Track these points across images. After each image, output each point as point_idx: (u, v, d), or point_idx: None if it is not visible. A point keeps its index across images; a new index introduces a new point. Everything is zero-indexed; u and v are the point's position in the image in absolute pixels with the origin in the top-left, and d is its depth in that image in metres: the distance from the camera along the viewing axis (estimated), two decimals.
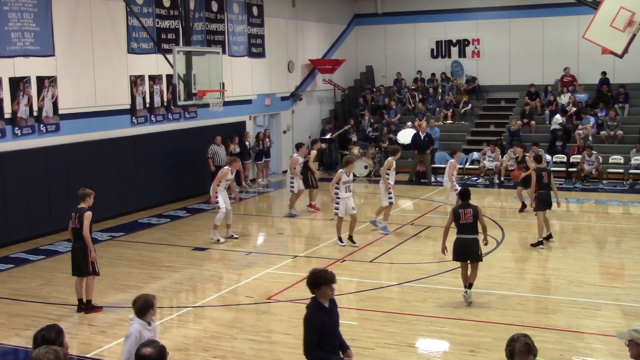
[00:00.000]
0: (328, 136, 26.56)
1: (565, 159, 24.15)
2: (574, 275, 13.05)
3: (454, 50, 30.09)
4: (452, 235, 11.62)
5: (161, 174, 20.04)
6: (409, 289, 12.30)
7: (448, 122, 27.82)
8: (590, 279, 12.91)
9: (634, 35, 17.96)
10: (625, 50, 18.33)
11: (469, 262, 11.45)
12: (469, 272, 11.48)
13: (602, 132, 24.89)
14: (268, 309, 11.53)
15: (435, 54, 30.39)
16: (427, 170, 24.17)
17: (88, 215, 11.18)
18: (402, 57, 30.61)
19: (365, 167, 25.30)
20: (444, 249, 11.75)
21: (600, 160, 23.02)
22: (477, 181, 23.83)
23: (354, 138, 26.81)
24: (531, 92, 27.52)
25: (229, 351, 9.69)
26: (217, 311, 11.42)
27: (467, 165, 25.10)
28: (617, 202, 20.16)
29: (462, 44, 29.96)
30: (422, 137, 24.15)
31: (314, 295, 6.97)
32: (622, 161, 23.49)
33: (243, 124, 23.70)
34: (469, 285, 11.40)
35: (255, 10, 24.24)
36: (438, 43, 30.28)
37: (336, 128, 27.07)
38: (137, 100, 19.49)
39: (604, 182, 22.87)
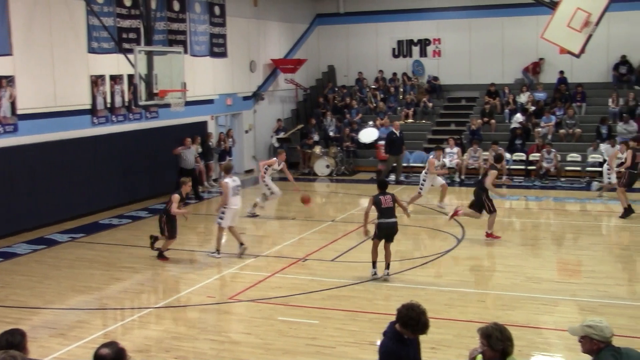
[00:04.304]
0: (281, 135, 26.65)
1: (524, 157, 24.49)
2: (533, 271, 13.24)
3: (415, 50, 30.32)
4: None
5: (122, 174, 19.89)
6: (371, 287, 12.38)
7: (409, 121, 28.00)
8: (548, 276, 13.11)
9: (590, 36, 18.29)
10: (582, 50, 18.64)
11: (384, 241, 12.62)
12: (384, 252, 12.67)
13: (561, 131, 25.28)
14: (229, 309, 11.53)
15: (396, 54, 30.59)
16: (398, 170, 24.25)
17: None
18: (364, 57, 30.75)
19: (327, 166, 25.39)
20: (365, 232, 12.81)
21: (559, 158, 23.40)
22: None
23: (316, 137, 26.89)
24: (491, 91, 27.86)
25: (190, 352, 9.66)
26: (179, 312, 11.39)
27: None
28: (575, 199, 20.48)
29: (423, 43, 30.19)
30: (397, 136, 24.23)
31: (393, 322, 6.18)
32: (579, 159, 23.88)
33: (205, 123, 23.61)
34: (387, 265, 12.66)
35: (217, 9, 24.16)
36: (399, 43, 30.48)
37: (284, 129, 27.15)
38: (98, 100, 19.31)
39: (562, 179, 23.24)
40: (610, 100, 25.94)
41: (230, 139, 23.97)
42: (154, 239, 14.72)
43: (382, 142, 25.46)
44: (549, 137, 24.93)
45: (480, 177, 16.34)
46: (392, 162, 24.25)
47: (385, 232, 12.59)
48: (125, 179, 19.97)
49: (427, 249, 15.28)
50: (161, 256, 14.45)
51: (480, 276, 13.24)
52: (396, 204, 12.68)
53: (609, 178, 20.27)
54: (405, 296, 11.73)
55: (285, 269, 13.55)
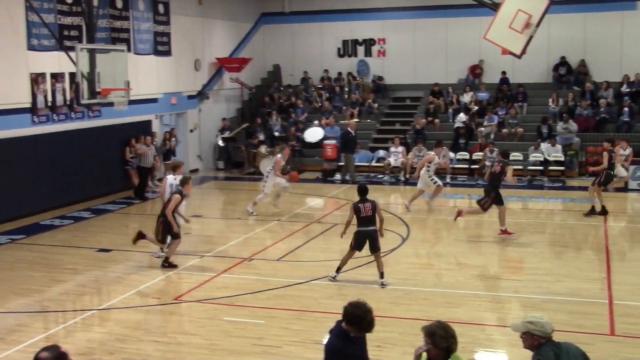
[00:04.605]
0: (226, 134, 26.54)
1: (467, 157, 24.83)
2: (476, 269, 13.44)
3: (360, 50, 30.48)
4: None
5: (64, 174, 19.53)
6: (316, 286, 12.40)
7: (354, 120, 28.09)
8: (491, 273, 13.33)
9: (530, 37, 18.63)
10: (523, 51, 18.98)
11: (370, 253, 12.38)
12: (376, 262, 12.37)
13: (503, 130, 25.69)
14: (175, 310, 11.42)
15: (341, 53, 30.70)
16: (350, 169, 24.27)
17: None
18: (309, 56, 30.78)
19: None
20: (343, 235, 12.70)
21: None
22: (383, 178, 24.18)
23: (261, 137, 26.82)
24: (435, 91, 28.17)
25: (135, 354, 9.54)
26: (123, 313, 11.23)
27: (373, 163, 25.48)
28: (517, 197, 20.81)
29: (368, 43, 30.36)
30: (353, 136, 24.27)
31: (340, 321, 6.12)
32: (521, 158, 24.30)
33: (149, 122, 23.34)
34: (381, 274, 12.25)
35: (161, 7, 23.90)
36: (344, 42, 30.59)
37: (229, 128, 27.05)
38: (38, 99, 18.92)
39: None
40: (550, 100, 26.46)
41: (174, 139, 23.77)
42: (140, 235, 13.86)
43: (328, 142, 25.54)
44: (492, 136, 25.32)
45: (489, 173, 16.33)
46: (350, 161, 24.27)
47: (362, 241, 12.29)
48: (67, 179, 19.62)
49: None
50: (168, 264, 13.52)
51: (425, 274, 13.35)
52: (376, 214, 12.28)
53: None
54: (351, 295, 11.77)
55: (231, 269, 13.48)
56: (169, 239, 13.67)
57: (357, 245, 12.35)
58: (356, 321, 5.98)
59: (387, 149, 25.39)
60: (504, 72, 27.68)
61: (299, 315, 10.92)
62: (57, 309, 11.53)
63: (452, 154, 24.56)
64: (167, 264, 13.49)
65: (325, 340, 6.27)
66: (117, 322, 10.83)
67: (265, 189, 18.38)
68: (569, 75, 27.61)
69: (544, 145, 23.99)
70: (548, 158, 23.87)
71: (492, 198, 15.76)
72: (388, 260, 14.05)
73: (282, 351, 9.53)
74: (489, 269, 13.61)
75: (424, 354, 5.77)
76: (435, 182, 18.75)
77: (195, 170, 26.02)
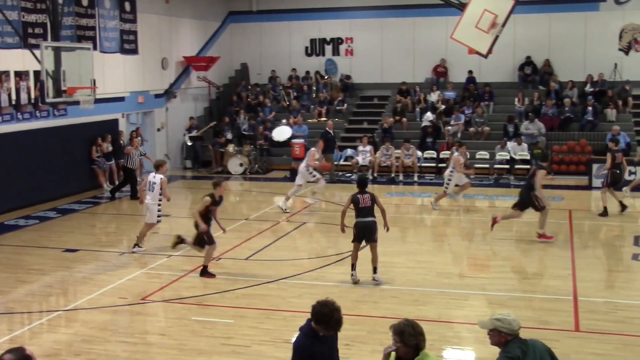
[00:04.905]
0: (194, 133, 26.42)
1: (435, 155, 25.00)
2: (444, 267, 13.54)
3: (328, 49, 30.51)
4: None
5: (29, 173, 19.30)
6: (285, 285, 12.41)
7: (322, 119, 28.15)
8: (458, 270, 13.44)
9: (497, 37, 18.81)
10: (490, 51, 19.16)
11: (364, 243, 12.42)
12: (371, 254, 12.42)
13: (470, 129, 25.89)
14: (142, 310, 11.35)
15: (309, 52, 30.71)
16: (331, 168, 24.26)
17: None
18: (277, 55, 30.74)
19: (241, 164, 25.28)
20: (342, 229, 12.75)
21: (468, 156, 23.91)
22: (351, 177, 24.22)
23: (229, 135, 26.74)
24: (402, 90, 28.31)
25: (102, 354, 9.47)
26: (90, 314, 11.12)
27: (342, 162, 25.54)
28: (484, 195, 21.01)
29: (336, 42, 30.40)
30: (332, 135, 24.28)
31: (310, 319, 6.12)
32: (487, 156, 24.52)
33: (116, 121, 23.15)
34: (374, 269, 12.34)
35: (127, 5, 23.69)
36: (312, 41, 30.60)
37: (197, 127, 26.94)
38: (2, 97, 18.66)
39: (471, 177, 23.75)
40: (516, 99, 26.72)
41: (139, 137, 23.58)
42: (179, 239, 13.68)
43: (296, 140, 25.56)
44: (459, 135, 25.51)
45: (528, 176, 16.33)
46: (330, 160, 24.25)
47: (362, 232, 12.29)
48: (32, 179, 19.39)
49: (341, 246, 15.36)
50: (205, 273, 12.87)
51: (393, 272, 13.39)
52: (375, 205, 12.36)
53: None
54: (319, 293, 11.79)
55: (199, 269, 13.41)
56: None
57: (358, 237, 12.35)
58: (324, 320, 5.99)
59: (355, 147, 25.46)
60: (470, 72, 27.91)
61: (268, 314, 10.91)
62: (23, 310, 11.40)
63: (419, 153, 24.72)
64: (205, 273, 12.87)
65: (294, 338, 6.27)
66: (83, 322, 10.73)
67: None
68: (535, 75, 27.92)
69: (510, 144, 24.24)
70: (514, 157, 24.10)
71: (535, 197, 15.50)
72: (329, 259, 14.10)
73: (252, 350, 9.52)
74: (456, 267, 13.72)
75: (393, 353, 5.80)
76: (446, 185, 18.85)
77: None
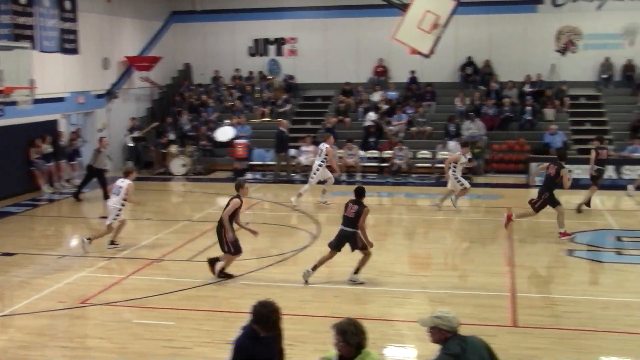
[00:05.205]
0: (136, 134, 26.15)
1: (377, 155, 25.19)
2: (386, 265, 13.63)
3: (272, 49, 30.49)
4: None
5: None
6: (227, 286, 12.36)
7: (266, 119, 28.10)
8: (400, 269, 13.56)
9: (438, 37, 19.03)
10: (432, 51, 19.38)
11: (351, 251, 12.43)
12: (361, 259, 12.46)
13: (412, 129, 26.15)
14: (82, 314, 11.18)
15: (253, 52, 30.64)
16: (288, 168, 24.19)
17: None
18: (220, 55, 30.60)
19: (183, 165, 25.10)
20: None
21: (410, 155, 24.22)
22: (294, 177, 24.22)
23: (172, 136, 26.51)
24: (346, 90, 28.45)
25: None
26: (26, 319, 10.89)
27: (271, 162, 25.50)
28: (425, 195, 21.23)
29: (280, 42, 30.39)
30: (286, 135, 24.22)
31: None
32: (429, 156, 24.81)
33: (55, 122, 22.75)
34: (313, 266, 12.35)
35: (67, 4, 23.29)
36: (256, 41, 30.54)
37: (139, 127, 26.68)
38: None
39: (414, 176, 24.06)
40: (457, 99, 27.08)
41: (80, 139, 23.24)
42: (213, 261, 12.73)
43: (239, 141, 25.49)
44: (401, 134, 25.75)
45: (547, 176, 16.20)
46: (282, 161, 24.19)
47: (341, 240, 12.32)
48: None
49: (283, 246, 15.39)
50: (223, 274, 12.63)
51: (335, 271, 13.43)
52: (360, 220, 12.12)
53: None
54: (261, 294, 11.73)
55: (141, 270, 13.30)
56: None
57: (336, 245, 12.38)
58: (262, 320, 6.01)
59: (298, 147, 25.48)
60: (413, 72, 28.20)
61: (209, 315, 10.86)
62: None
63: (362, 152, 24.88)
64: (223, 275, 12.62)
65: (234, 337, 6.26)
66: (19, 328, 10.51)
67: (313, 180, 18.93)
68: (475, 75, 28.36)
69: (452, 144, 24.55)
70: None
71: (546, 199, 15.64)
72: (299, 259, 14.15)
73: (193, 352, 9.47)
74: (397, 265, 13.83)
75: (332, 352, 5.84)
76: (461, 184, 18.51)
77: (104, 171, 25.44)
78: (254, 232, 12.84)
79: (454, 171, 18.50)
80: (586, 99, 27.46)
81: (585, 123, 26.20)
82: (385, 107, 27.25)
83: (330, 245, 12.46)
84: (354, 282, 12.40)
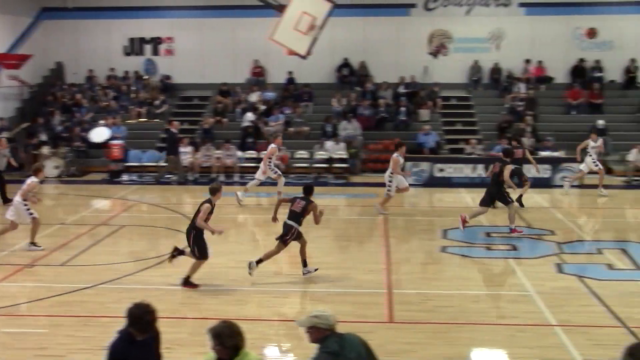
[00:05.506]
0: (4, 135, 25.12)
1: (255, 155, 25.20)
2: (264, 265, 13.60)
3: (148, 48, 30.02)
4: None
5: None
6: (103, 290, 12.08)
7: (142, 120, 27.62)
8: (278, 269, 13.63)
9: (315, 39, 19.31)
10: (308, 52, 19.64)
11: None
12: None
13: (290, 129, 26.33)
14: None
15: (128, 52, 30.07)
16: (179, 169, 23.69)
17: None
18: (95, 54, 29.86)
19: (56, 167, 24.33)
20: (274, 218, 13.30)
21: (288, 155, 24.38)
22: (172, 178, 23.90)
23: (43, 137, 25.61)
24: (223, 90, 28.35)
25: None
26: None
27: (162, 163, 25.15)
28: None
29: (156, 42, 29.96)
30: (178, 136, 23.77)
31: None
32: (307, 156, 25.08)
33: None
34: (259, 259, 12.64)
35: None
36: (131, 40, 29.99)
37: (8, 128, 25.67)
38: None
39: (292, 175, 24.21)
40: (334, 100, 27.48)
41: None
42: (177, 252, 12.51)
43: (114, 142, 24.94)
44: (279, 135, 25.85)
45: (491, 173, 16.47)
46: (174, 162, 23.67)
47: (282, 232, 12.73)
48: None
49: (161, 249, 15.17)
50: (188, 283, 12.12)
51: (214, 272, 13.36)
52: (306, 214, 12.76)
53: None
54: (139, 297, 11.44)
55: (9, 277, 12.78)
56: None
57: (281, 236, 12.74)
58: (136, 322, 5.96)
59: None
60: (290, 72, 28.42)
61: (85, 321, 10.58)
62: None
63: (239, 153, 24.85)
64: (188, 284, 12.14)
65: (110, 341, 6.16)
66: None
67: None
68: (351, 76, 28.89)
69: (329, 144, 24.90)
70: (332, 156, 24.79)
71: (504, 192, 15.99)
72: (178, 261, 13.95)
73: None
74: (275, 264, 13.88)
75: (212, 354, 5.83)
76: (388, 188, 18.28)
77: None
78: (217, 232, 12.55)
79: (390, 174, 18.16)
80: (457, 100, 28.57)
81: (456, 123, 27.24)
82: (262, 107, 27.33)
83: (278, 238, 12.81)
84: (309, 272, 12.76)
